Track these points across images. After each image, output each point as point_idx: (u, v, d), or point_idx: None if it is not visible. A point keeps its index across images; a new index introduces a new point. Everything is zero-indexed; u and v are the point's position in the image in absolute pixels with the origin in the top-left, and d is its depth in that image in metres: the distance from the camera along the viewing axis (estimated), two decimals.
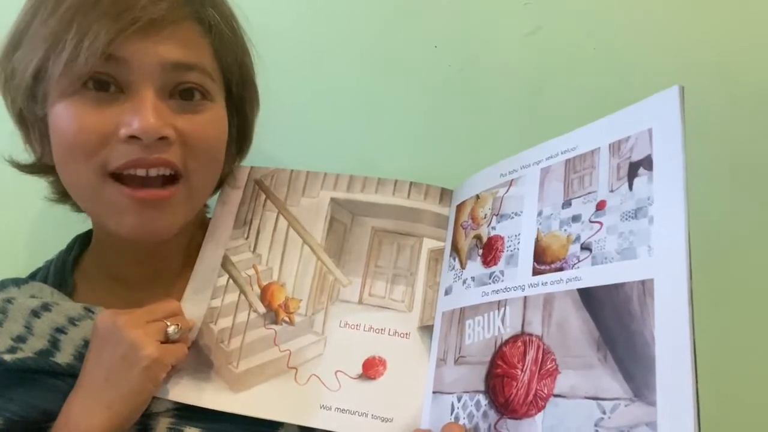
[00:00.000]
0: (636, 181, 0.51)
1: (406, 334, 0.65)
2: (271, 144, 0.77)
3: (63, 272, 0.70)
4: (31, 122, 0.63)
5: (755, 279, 0.86)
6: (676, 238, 0.46)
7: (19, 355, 0.61)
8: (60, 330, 0.63)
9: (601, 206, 0.53)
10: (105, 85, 0.59)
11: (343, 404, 0.62)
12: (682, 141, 0.47)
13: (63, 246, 0.75)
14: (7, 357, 0.60)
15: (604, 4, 0.87)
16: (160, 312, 0.61)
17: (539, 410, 0.51)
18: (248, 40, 0.70)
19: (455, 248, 0.67)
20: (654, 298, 0.46)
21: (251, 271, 0.69)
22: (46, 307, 0.64)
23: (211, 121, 0.64)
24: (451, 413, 0.58)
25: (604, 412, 0.46)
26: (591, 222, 0.53)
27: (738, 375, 0.85)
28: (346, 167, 0.74)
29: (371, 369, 0.64)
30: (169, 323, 0.61)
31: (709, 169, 0.84)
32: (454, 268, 0.66)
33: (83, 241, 0.74)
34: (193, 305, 0.67)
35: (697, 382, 0.42)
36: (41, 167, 0.67)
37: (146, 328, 0.59)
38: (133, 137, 0.58)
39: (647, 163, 0.50)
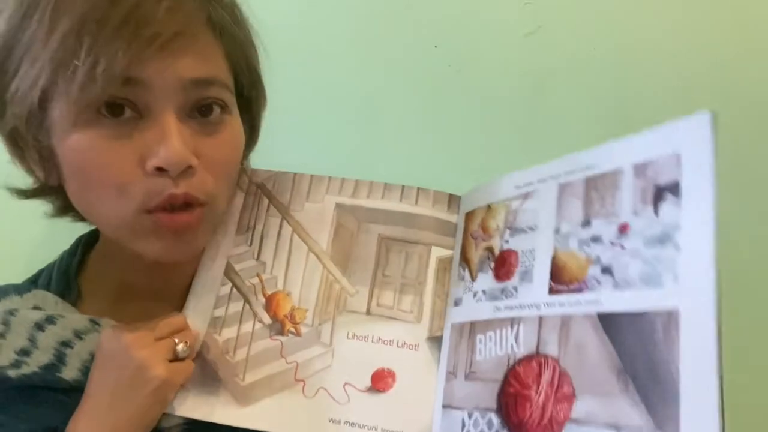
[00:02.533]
0: (662, 206, 0.49)
1: (415, 345, 0.64)
2: (269, 146, 0.75)
3: (67, 277, 0.68)
4: (33, 148, 0.59)
5: (755, 283, 0.86)
6: (705, 269, 0.45)
7: (24, 370, 0.59)
8: (66, 344, 0.61)
9: (623, 229, 0.52)
10: (120, 109, 0.54)
11: (352, 417, 0.61)
12: (713, 169, 0.46)
13: (63, 247, 0.72)
14: (12, 373, 0.59)
15: (604, 4, 0.87)
16: (167, 328, 0.60)
17: None
18: (254, 32, 0.66)
19: (465, 258, 0.66)
20: (680, 329, 0.45)
21: (255, 280, 0.67)
22: (50, 320, 0.62)
23: (231, 139, 0.62)
24: (462, 430, 0.58)
25: None
26: (612, 244, 0.52)
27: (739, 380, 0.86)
28: (345, 168, 0.73)
29: (380, 381, 0.63)
30: (177, 340, 0.59)
31: None
32: (464, 279, 0.65)
33: (87, 243, 0.71)
34: (195, 315, 0.65)
35: (723, 416, 0.42)
36: (43, 190, 0.64)
37: (154, 348, 0.57)
38: (160, 168, 0.55)
39: (674, 188, 0.49)
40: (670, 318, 0.46)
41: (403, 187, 0.70)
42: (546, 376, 0.53)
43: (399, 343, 0.64)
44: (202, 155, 0.57)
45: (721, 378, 0.42)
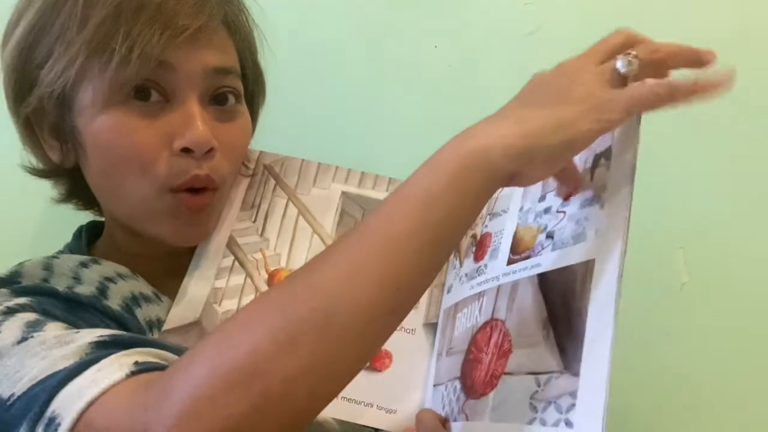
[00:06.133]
0: (596, 171, 0.52)
1: (412, 330, 0.67)
2: (270, 143, 0.77)
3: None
4: (52, 130, 0.63)
5: (754, 277, 0.84)
6: (618, 220, 0.47)
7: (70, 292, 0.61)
8: (109, 279, 0.63)
9: (567, 197, 0.55)
10: (147, 93, 0.60)
11: (349, 394, 0.62)
12: (638, 131, 0.48)
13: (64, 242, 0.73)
14: (61, 288, 0.60)
15: (604, 4, 0.87)
16: (608, 47, 0.50)
17: (492, 388, 0.52)
18: (258, 32, 0.71)
19: (456, 248, 0.70)
20: (593, 277, 0.47)
21: (258, 255, 0.69)
22: (95, 260, 0.65)
23: (244, 127, 0.67)
24: (441, 402, 0.60)
25: (539, 385, 0.47)
26: (557, 212, 0.55)
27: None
28: (346, 167, 0.75)
29: (378, 361, 0.65)
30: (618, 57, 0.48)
31: (708, 167, 0.83)
32: (455, 267, 0.69)
33: (89, 231, 0.72)
34: (195, 284, 0.67)
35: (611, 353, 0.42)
36: (56, 171, 0.67)
37: (595, 72, 0.49)
38: (185, 149, 0.60)
39: (608, 153, 0.52)
40: (587, 268, 0.47)
41: None
42: (494, 338, 0.55)
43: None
44: (219, 140, 0.62)
45: (617, 317, 0.43)
